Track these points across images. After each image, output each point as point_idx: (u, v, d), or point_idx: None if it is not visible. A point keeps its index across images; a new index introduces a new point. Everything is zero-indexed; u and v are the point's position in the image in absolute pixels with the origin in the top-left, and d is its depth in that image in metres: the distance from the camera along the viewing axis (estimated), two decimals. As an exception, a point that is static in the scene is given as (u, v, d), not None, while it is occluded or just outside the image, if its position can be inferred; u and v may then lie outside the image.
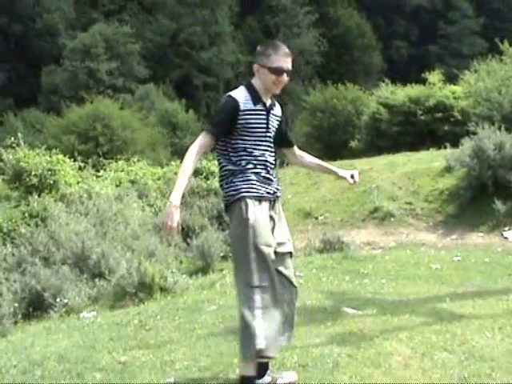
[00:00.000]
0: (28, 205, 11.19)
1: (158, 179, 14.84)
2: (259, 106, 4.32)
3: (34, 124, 40.10)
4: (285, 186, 4.20)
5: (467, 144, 14.60)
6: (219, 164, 4.40)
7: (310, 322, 5.96)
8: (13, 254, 9.63)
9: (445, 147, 17.67)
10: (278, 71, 4.24)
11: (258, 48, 4.36)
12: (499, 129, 14.22)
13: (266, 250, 4.13)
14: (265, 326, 4.03)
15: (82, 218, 10.98)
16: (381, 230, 13.99)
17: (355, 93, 34.46)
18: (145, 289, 8.09)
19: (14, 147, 12.83)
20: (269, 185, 4.33)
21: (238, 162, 4.28)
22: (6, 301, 8.22)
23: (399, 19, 64.87)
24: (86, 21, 54.83)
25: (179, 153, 32.58)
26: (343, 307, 6.41)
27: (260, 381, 4.22)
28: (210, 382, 4.43)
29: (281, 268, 4.29)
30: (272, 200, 4.35)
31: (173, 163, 16.29)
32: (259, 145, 4.33)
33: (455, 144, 16.25)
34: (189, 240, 11.18)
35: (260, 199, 4.25)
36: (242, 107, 4.25)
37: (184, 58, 53.98)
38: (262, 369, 4.25)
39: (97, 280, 8.91)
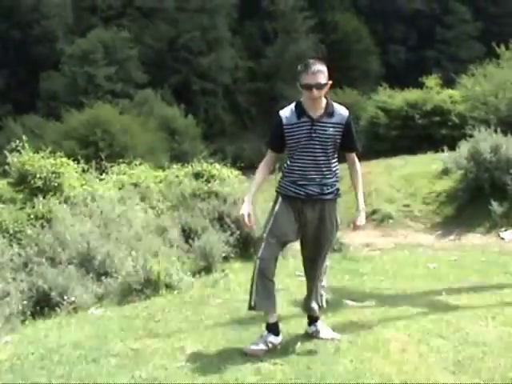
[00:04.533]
0: (33, 207, 11.27)
1: (160, 182, 14.94)
2: (303, 119, 4.96)
3: (33, 129, 40.07)
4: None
5: (464, 147, 14.85)
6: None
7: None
8: (19, 255, 9.70)
9: (442, 150, 17.86)
10: (307, 87, 4.91)
11: (298, 68, 5.01)
12: (495, 131, 14.46)
13: None
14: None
15: (86, 219, 11.09)
16: (379, 232, 14.21)
17: (353, 97, 34.74)
18: (151, 285, 8.27)
19: (19, 150, 12.91)
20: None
21: None
22: (14, 299, 8.39)
23: (397, 24, 64.92)
24: (85, 26, 54.75)
25: (178, 158, 32.72)
26: (344, 300, 6.65)
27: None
28: (220, 365, 4.65)
29: None
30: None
31: (174, 166, 16.41)
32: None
33: (452, 147, 16.44)
34: (190, 241, 11.34)
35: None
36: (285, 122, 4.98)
37: (182, 63, 53.97)
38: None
39: (103, 278, 9.10)
